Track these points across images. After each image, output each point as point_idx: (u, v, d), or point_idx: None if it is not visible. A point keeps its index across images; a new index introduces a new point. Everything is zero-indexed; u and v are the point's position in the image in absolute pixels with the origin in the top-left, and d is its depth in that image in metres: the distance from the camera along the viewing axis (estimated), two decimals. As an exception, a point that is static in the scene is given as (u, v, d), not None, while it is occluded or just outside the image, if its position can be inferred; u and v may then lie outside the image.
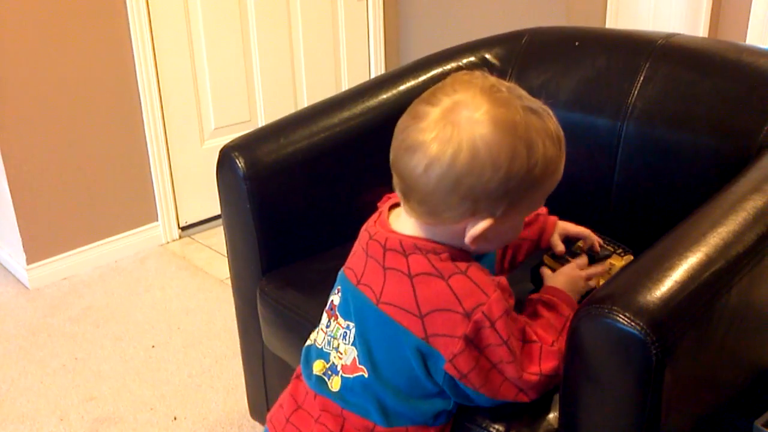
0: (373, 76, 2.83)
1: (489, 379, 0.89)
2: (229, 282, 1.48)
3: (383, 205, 0.99)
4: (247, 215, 1.31)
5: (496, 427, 0.95)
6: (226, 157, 1.31)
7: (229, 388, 1.74)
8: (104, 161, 2.25)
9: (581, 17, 2.40)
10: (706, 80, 1.29)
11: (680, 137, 1.28)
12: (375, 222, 0.95)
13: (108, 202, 2.29)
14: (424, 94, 0.87)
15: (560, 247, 1.16)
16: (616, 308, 0.80)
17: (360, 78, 2.73)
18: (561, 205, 1.10)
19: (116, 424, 1.65)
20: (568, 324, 0.98)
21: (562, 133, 0.86)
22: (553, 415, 0.95)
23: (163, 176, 2.38)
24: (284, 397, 1.03)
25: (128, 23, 2.18)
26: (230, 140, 1.35)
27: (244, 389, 1.56)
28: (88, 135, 2.20)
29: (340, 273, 0.99)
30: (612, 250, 1.19)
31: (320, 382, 0.96)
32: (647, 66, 1.34)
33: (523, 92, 0.86)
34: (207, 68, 2.41)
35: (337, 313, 0.96)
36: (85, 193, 2.24)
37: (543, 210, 1.16)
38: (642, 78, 1.34)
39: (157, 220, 2.42)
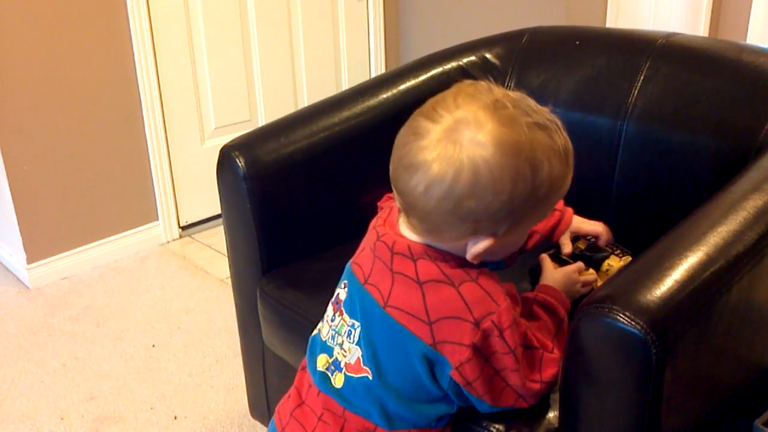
0: (373, 75, 2.83)
1: (493, 387, 0.89)
2: (229, 281, 1.48)
3: (393, 203, 0.98)
4: (248, 215, 1.31)
5: (497, 426, 0.95)
6: (226, 156, 1.31)
7: (230, 388, 1.75)
8: (104, 161, 2.25)
9: (581, 17, 2.40)
10: (706, 80, 1.29)
11: (680, 137, 1.28)
12: (384, 221, 0.93)
13: (108, 201, 2.29)
14: (426, 106, 0.84)
15: (567, 248, 1.16)
16: (616, 307, 0.79)
17: (360, 77, 2.73)
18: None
19: (116, 424, 1.65)
20: (563, 326, 0.98)
21: (570, 146, 0.84)
22: (553, 415, 0.95)
23: (163, 176, 2.38)
24: (291, 389, 1.03)
25: (128, 23, 2.18)
26: (230, 140, 1.35)
27: (245, 388, 1.56)
28: (88, 134, 2.20)
29: (347, 266, 0.98)
30: (610, 251, 1.19)
31: (324, 378, 0.96)
32: (647, 65, 1.34)
33: (530, 103, 0.83)
34: (207, 68, 2.41)
35: (343, 309, 0.95)
36: (86, 192, 2.24)
37: (559, 203, 1.15)
38: (642, 77, 1.34)
39: (158, 220, 2.42)
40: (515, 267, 1.11)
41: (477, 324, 0.85)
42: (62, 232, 2.22)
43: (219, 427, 1.63)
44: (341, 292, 0.97)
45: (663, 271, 0.84)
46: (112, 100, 2.22)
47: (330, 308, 0.99)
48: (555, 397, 0.95)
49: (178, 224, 2.47)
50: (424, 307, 0.86)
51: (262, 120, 2.58)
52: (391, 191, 1.21)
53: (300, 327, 1.21)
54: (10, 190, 2.09)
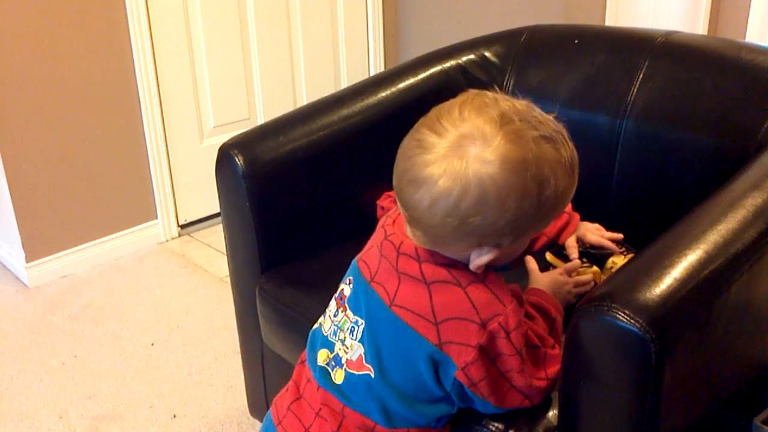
0: (372, 73, 2.83)
1: (498, 388, 0.89)
2: (228, 280, 1.48)
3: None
4: (247, 213, 1.31)
5: (496, 425, 0.95)
6: (225, 155, 1.31)
7: (229, 386, 1.74)
8: (103, 159, 2.25)
9: (580, 15, 2.40)
10: (705, 78, 1.29)
11: (679, 135, 1.28)
12: (393, 222, 0.93)
13: (107, 200, 2.29)
14: (431, 117, 0.83)
15: (574, 253, 1.16)
16: (615, 306, 0.79)
17: (359, 76, 2.73)
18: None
19: (116, 422, 1.65)
20: (555, 326, 0.99)
21: (576, 156, 0.84)
22: (552, 413, 0.95)
23: (162, 174, 2.38)
24: (290, 382, 1.03)
25: (127, 21, 2.17)
26: (229, 138, 1.34)
27: (244, 387, 1.56)
28: (87, 133, 2.20)
29: (353, 263, 0.98)
30: (615, 248, 1.19)
31: (324, 374, 0.96)
32: (647, 64, 1.34)
33: (537, 113, 0.82)
34: (206, 66, 2.40)
35: (347, 305, 0.95)
36: (85, 191, 2.24)
37: (568, 206, 1.16)
38: (641, 76, 1.34)
39: (157, 218, 2.42)
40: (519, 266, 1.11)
41: (484, 325, 0.85)
42: (61, 231, 2.22)
43: (218, 426, 1.63)
44: (346, 288, 0.97)
45: (662, 269, 0.84)
46: (111, 99, 2.22)
47: (333, 303, 0.99)
48: (554, 396, 0.95)
49: (177, 223, 2.47)
50: (430, 307, 0.86)
51: (261, 118, 2.58)
52: (390, 190, 1.21)
53: (299, 325, 1.21)
54: (9, 188, 2.09)
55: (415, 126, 0.84)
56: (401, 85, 1.46)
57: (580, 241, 1.18)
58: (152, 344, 1.91)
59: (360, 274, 0.94)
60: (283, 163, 1.33)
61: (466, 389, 0.88)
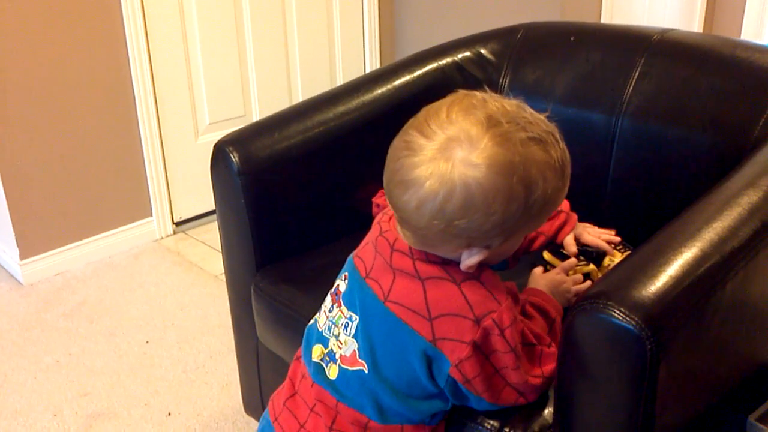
0: (368, 71, 2.83)
1: (492, 385, 0.89)
2: (223, 277, 1.48)
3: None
4: (242, 210, 1.31)
5: (491, 423, 0.95)
6: (220, 151, 1.31)
7: (224, 384, 1.74)
8: (98, 156, 2.24)
9: (576, 12, 2.40)
10: (701, 76, 1.29)
11: (675, 133, 1.28)
12: (390, 218, 0.93)
13: (102, 197, 2.28)
14: (419, 118, 0.83)
15: (573, 249, 1.16)
16: (611, 303, 0.79)
17: (355, 73, 2.72)
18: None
19: (110, 420, 1.64)
20: (555, 326, 0.99)
21: (567, 157, 0.83)
22: (547, 411, 0.95)
23: (157, 171, 2.37)
24: (286, 379, 1.03)
25: (122, 18, 2.16)
26: (225, 135, 1.34)
27: (239, 385, 1.56)
28: (81, 130, 2.19)
29: (349, 259, 0.98)
30: (610, 250, 1.19)
31: (318, 369, 0.96)
32: (642, 61, 1.34)
33: (527, 114, 0.81)
34: (201, 63, 2.40)
35: (341, 300, 0.95)
36: (79, 188, 2.23)
37: (566, 206, 1.16)
38: (637, 73, 1.34)
39: (152, 216, 2.41)
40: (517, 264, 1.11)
41: (478, 322, 0.85)
42: (56, 228, 2.21)
43: (213, 424, 1.63)
44: (341, 284, 0.97)
45: (658, 266, 0.84)
46: (106, 96, 2.21)
47: (328, 299, 0.99)
48: (550, 393, 0.95)
49: (172, 220, 2.46)
50: (425, 303, 0.86)
51: (257, 115, 2.57)
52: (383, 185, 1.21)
53: (294, 323, 1.21)
54: (3, 185, 2.08)
55: (405, 127, 0.84)
56: (397, 83, 1.46)
57: (577, 241, 1.18)
58: (147, 342, 1.91)
59: (355, 269, 0.94)
60: (279, 160, 1.33)
61: (461, 386, 0.88)
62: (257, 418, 1.53)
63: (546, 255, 1.19)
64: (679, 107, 1.28)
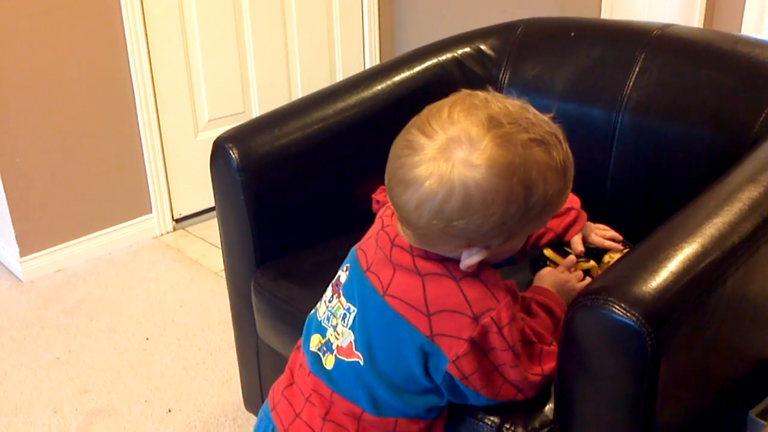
0: (367, 67, 2.82)
1: (490, 381, 0.89)
2: (223, 274, 1.48)
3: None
4: (241, 207, 1.30)
5: (492, 419, 0.94)
6: (219, 148, 1.31)
7: (224, 381, 1.74)
8: (98, 153, 2.24)
9: (576, 8, 2.39)
10: (701, 71, 1.29)
11: (675, 128, 1.28)
12: (393, 214, 0.93)
13: (102, 194, 2.28)
14: (421, 117, 0.83)
15: (579, 248, 1.16)
16: (611, 299, 0.79)
17: (354, 69, 2.72)
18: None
19: (110, 417, 1.64)
20: (560, 326, 0.99)
21: (570, 158, 0.83)
22: (548, 407, 0.95)
23: (157, 168, 2.37)
24: (285, 369, 1.04)
25: (121, 14, 2.16)
26: (224, 132, 1.34)
27: (239, 381, 1.56)
28: (81, 127, 2.19)
29: (352, 251, 0.98)
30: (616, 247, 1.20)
31: (315, 359, 0.96)
32: (643, 57, 1.34)
33: (530, 115, 0.81)
34: (201, 60, 2.39)
35: (341, 291, 0.96)
36: (79, 185, 2.23)
37: (576, 203, 1.16)
38: (637, 69, 1.33)
39: (151, 213, 2.41)
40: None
41: (476, 319, 0.85)
42: (55, 225, 2.21)
43: (213, 420, 1.63)
44: (342, 275, 0.97)
45: (658, 262, 0.84)
46: (106, 92, 2.21)
47: (329, 289, 0.99)
48: (550, 390, 0.95)
49: (172, 217, 2.46)
50: (423, 299, 0.86)
51: (256, 112, 2.57)
52: (385, 183, 1.21)
53: (294, 319, 1.20)
54: (3, 182, 2.08)
55: (407, 126, 0.84)
56: (396, 79, 1.45)
57: (584, 241, 1.18)
58: (147, 339, 1.91)
59: (357, 262, 0.94)
60: (278, 156, 1.33)
61: (458, 383, 0.88)
62: (257, 414, 1.53)
63: (547, 252, 1.19)
64: (679, 103, 1.28)
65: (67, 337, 1.92)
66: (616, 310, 0.78)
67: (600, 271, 1.14)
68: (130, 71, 2.23)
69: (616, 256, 1.16)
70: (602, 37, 1.43)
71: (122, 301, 2.08)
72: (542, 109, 0.84)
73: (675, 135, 1.28)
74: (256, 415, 1.53)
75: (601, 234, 1.20)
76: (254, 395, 1.50)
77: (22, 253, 2.17)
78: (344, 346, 0.93)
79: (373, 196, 1.26)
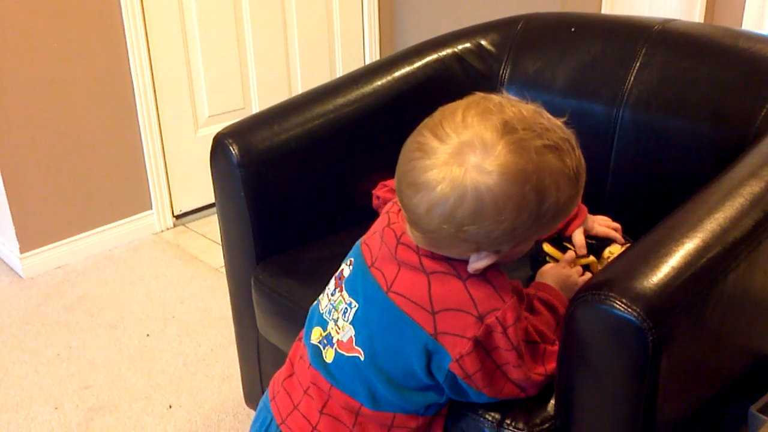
0: (367, 62, 2.82)
1: (493, 380, 0.89)
2: (223, 270, 1.48)
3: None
4: (241, 203, 1.30)
5: (492, 415, 0.94)
6: (219, 144, 1.30)
7: (225, 377, 1.74)
8: (97, 149, 2.24)
9: (577, 3, 2.39)
10: (702, 66, 1.28)
11: (676, 123, 1.28)
12: (399, 210, 0.92)
13: (102, 190, 2.28)
14: (434, 119, 0.82)
15: (582, 241, 1.16)
16: (612, 294, 0.79)
17: (355, 64, 2.71)
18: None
19: (111, 413, 1.64)
20: (563, 322, 0.99)
21: (582, 165, 0.82)
22: (549, 403, 0.94)
23: (157, 164, 2.36)
24: (286, 360, 1.04)
25: (121, 11, 2.15)
26: (224, 127, 1.34)
27: (240, 377, 1.56)
28: (81, 123, 2.18)
29: (356, 244, 0.98)
30: (621, 240, 1.20)
31: (316, 352, 0.96)
32: (643, 52, 1.33)
33: (544, 119, 0.80)
34: (201, 55, 2.39)
35: (344, 285, 0.95)
36: (79, 181, 2.23)
37: None
38: (638, 64, 1.33)
39: (151, 209, 2.41)
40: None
41: (481, 318, 0.85)
42: (55, 221, 2.21)
43: (214, 416, 1.63)
44: (346, 269, 0.97)
45: (660, 257, 0.84)
46: (105, 89, 2.20)
47: (332, 282, 0.99)
48: (551, 386, 0.94)
49: (172, 213, 2.46)
50: (428, 297, 0.86)
51: (256, 108, 2.56)
52: (385, 179, 1.21)
53: (294, 315, 1.20)
54: (3, 178, 2.08)
55: (419, 127, 0.83)
56: (397, 74, 1.45)
57: (586, 232, 1.18)
58: (147, 335, 1.91)
59: (361, 256, 0.94)
60: (278, 152, 1.32)
61: (460, 381, 0.88)
62: (258, 411, 1.53)
63: (546, 247, 1.18)
64: (680, 98, 1.28)
65: (67, 333, 1.92)
66: (617, 306, 0.78)
67: (600, 267, 1.14)
68: (129, 68, 2.22)
69: (616, 251, 1.16)
70: (603, 33, 1.43)
71: (123, 297, 2.08)
72: (559, 118, 0.83)
73: (676, 130, 1.27)
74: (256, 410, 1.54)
75: (606, 224, 1.19)
76: (255, 391, 1.50)
77: (23, 250, 2.17)
78: (344, 340, 0.93)
79: (373, 191, 1.26)
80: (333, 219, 1.39)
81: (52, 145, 2.14)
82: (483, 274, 0.86)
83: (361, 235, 0.99)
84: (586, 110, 1.37)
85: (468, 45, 1.51)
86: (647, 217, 1.04)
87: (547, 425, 0.93)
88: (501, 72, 1.49)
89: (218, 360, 1.80)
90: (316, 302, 1.02)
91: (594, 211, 1.22)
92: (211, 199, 1.56)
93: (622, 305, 0.78)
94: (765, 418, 1.04)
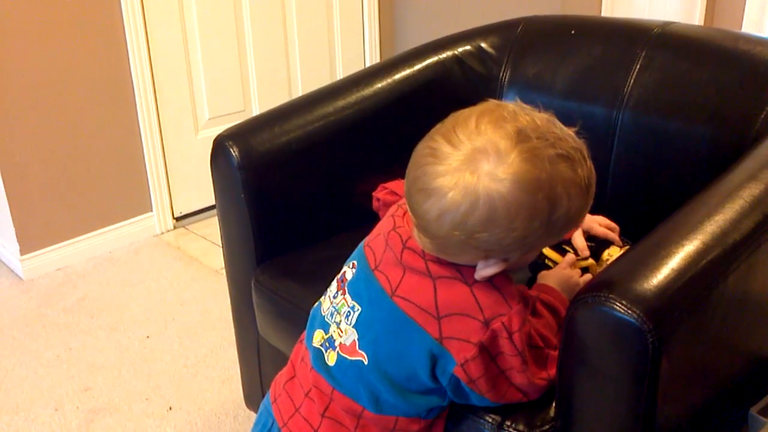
0: (367, 64, 2.82)
1: (496, 385, 0.89)
2: (224, 272, 1.48)
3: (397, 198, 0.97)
4: (242, 205, 1.30)
5: (493, 416, 0.94)
6: (220, 146, 1.31)
7: (225, 378, 1.74)
8: (98, 151, 2.24)
9: (576, 6, 2.39)
10: (702, 69, 1.28)
11: (676, 126, 1.28)
12: (404, 214, 0.92)
13: (102, 192, 2.28)
14: (447, 125, 0.82)
15: (582, 242, 1.16)
16: (612, 296, 0.79)
17: (355, 67, 2.71)
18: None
19: (111, 415, 1.64)
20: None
21: (593, 175, 0.82)
22: (549, 405, 0.94)
23: (157, 166, 2.37)
24: (288, 362, 1.04)
25: (121, 13, 2.16)
26: (224, 130, 1.34)
27: (240, 379, 1.56)
28: (81, 125, 2.19)
29: (360, 247, 0.97)
30: (610, 240, 1.19)
31: (318, 355, 0.96)
32: (643, 54, 1.33)
33: (557, 128, 0.80)
34: (201, 58, 2.39)
35: (346, 288, 0.95)
36: (79, 183, 2.23)
37: None
38: (638, 66, 1.33)
39: (152, 211, 2.41)
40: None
41: (486, 324, 0.85)
42: (56, 223, 2.21)
43: (214, 418, 1.63)
44: (348, 271, 0.97)
45: (660, 259, 0.84)
46: (106, 90, 2.20)
47: (334, 284, 0.99)
48: (552, 388, 0.94)
49: (173, 215, 2.46)
50: (434, 302, 0.86)
51: (257, 110, 2.56)
52: (385, 181, 1.21)
53: (294, 316, 1.20)
54: (3, 180, 2.08)
55: (431, 132, 0.83)
56: (397, 76, 1.45)
57: (586, 233, 1.18)
58: (147, 337, 1.91)
59: (365, 259, 0.94)
60: (279, 154, 1.32)
61: (464, 385, 0.88)
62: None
63: (545, 250, 1.18)
64: (680, 100, 1.28)
65: (67, 335, 1.92)
66: (618, 308, 0.78)
67: (599, 269, 1.14)
68: (130, 69, 2.23)
69: (615, 253, 1.16)
70: (603, 35, 1.43)
71: (123, 299, 2.08)
72: (571, 128, 0.83)
73: (676, 132, 1.27)
74: (257, 412, 1.54)
75: (605, 224, 1.19)
76: (255, 393, 1.50)
77: (23, 252, 2.17)
78: (347, 344, 0.92)
79: (373, 194, 1.26)
80: (333, 221, 1.39)
81: (52, 148, 2.14)
82: (490, 280, 0.86)
83: (361, 238, 0.99)
84: (586, 113, 1.37)
85: (468, 48, 1.51)
86: (647, 219, 1.04)
87: (547, 427, 0.93)
88: (501, 75, 1.49)
89: (218, 362, 1.80)
90: (317, 304, 1.02)
91: (593, 213, 1.22)
92: (212, 201, 1.56)
93: (623, 307, 0.78)
94: (765, 420, 1.04)
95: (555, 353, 0.93)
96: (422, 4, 2.72)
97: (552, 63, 1.44)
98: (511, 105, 0.82)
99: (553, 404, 0.93)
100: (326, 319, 0.97)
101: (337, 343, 0.94)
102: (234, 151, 1.28)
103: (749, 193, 0.95)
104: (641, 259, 0.85)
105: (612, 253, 1.16)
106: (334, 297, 0.97)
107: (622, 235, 1.21)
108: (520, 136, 0.78)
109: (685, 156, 1.26)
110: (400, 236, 0.90)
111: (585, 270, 1.15)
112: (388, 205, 1.09)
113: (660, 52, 1.33)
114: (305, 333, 1.02)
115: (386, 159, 1.38)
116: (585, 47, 1.42)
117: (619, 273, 0.84)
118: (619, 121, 1.34)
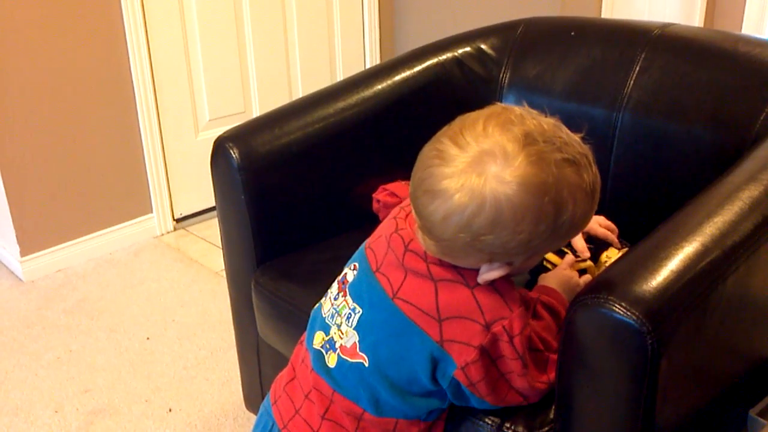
0: (368, 66, 2.82)
1: (497, 389, 0.89)
2: (224, 274, 1.48)
3: (399, 199, 0.97)
4: (242, 206, 1.30)
5: (492, 418, 0.94)
6: (220, 147, 1.31)
7: (224, 380, 1.74)
8: (98, 153, 2.24)
9: (576, 7, 2.39)
10: (701, 70, 1.28)
11: (676, 127, 1.28)
12: (407, 216, 0.92)
13: (102, 193, 2.28)
14: (454, 127, 0.82)
15: (582, 243, 1.16)
16: (612, 298, 0.79)
17: (355, 68, 2.72)
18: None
19: (111, 417, 1.64)
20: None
21: (598, 181, 0.83)
22: (548, 406, 0.94)
23: (157, 168, 2.37)
24: (288, 363, 1.04)
25: (122, 13, 2.16)
26: (225, 131, 1.34)
27: (239, 381, 1.56)
28: (81, 126, 2.19)
29: (361, 248, 0.97)
30: (609, 242, 1.19)
31: (318, 357, 0.96)
32: (643, 56, 1.34)
33: (563, 133, 0.80)
34: (201, 59, 2.39)
35: (347, 290, 0.95)
36: (80, 184, 2.23)
37: None
38: (638, 68, 1.33)
39: (152, 212, 2.41)
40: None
41: (487, 327, 0.85)
42: (56, 225, 2.21)
43: (214, 420, 1.63)
44: (349, 273, 0.97)
45: (659, 261, 0.84)
46: (106, 92, 2.21)
47: (335, 286, 0.99)
48: (551, 390, 0.95)
49: (173, 217, 2.46)
50: (435, 304, 0.86)
51: (257, 111, 2.57)
52: (385, 182, 1.21)
53: (295, 318, 1.21)
54: (4, 181, 2.08)
55: (437, 134, 0.83)
56: (397, 78, 1.45)
57: (585, 234, 1.18)
58: (148, 338, 1.91)
59: (366, 261, 0.94)
60: (279, 156, 1.33)
61: (464, 388, 0.88)
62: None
63: None
64: (679, 102, 1.28)
65: (67, 336, 1.93)
66: (617, 309, 0.78)
67: (597, 271, 1.14)
68: (130, 71, 2.23)
69: (613, 255, 1.16)
70: (603, 37, 1.43)
71: (123, 300, 2.08)
72: (577, 133, 0.83)
73: (675, 134, 1.27)
74: (257, 414, 1.54)
75: (605, 225, 1.20)
76: (255, 394, 1.50)
77: (23, 253, 2.17)
78: (348, 346, 0.92)
79: (373, 195, 1.26)
80: (333, 222, 1.39)
81: (52, 149, 2.15)
82: (491, 283, 0.86)
83: (361, 239, 0.99)
84: (585, 114, 1.37)
85: (468, 49, 1.51)
86: (646, 220, 1.04)
87: (546, 429, 0.93)
88: (501, 76, 1.49)
89: (218, 363, 1.80)
90: (317, 305, 1.02)
91: (594, 214, 1.22)
92: (212, 203, 1.56)
93: (622, 308, 0.78)
94: (764, 421, 1.04)
95: (555, 357, 0.93)
96: (422, 5, 2.73)
97: (552, 64, 1.44)
98: (519, 109, 0.82)
99: (553, 406, 0.93)
100: (327, 321, 0.97)
101: (337, 345, 0.94)
102: (234, 153, 1.28)
103: (748, 194, 0.95)
104: (641, 261, 0.85)
105: (610, 255, 1.16)
106: (335, 298, 0.97)
107: (621, 236, 1.21)
108: (528, 140, 0.78)
109: (684, 157, 1.26)
110: (403, 239, 0.90)
111: (583, 272, 1.15)
112: (388, 207, 1.09)
113: (660, 53, 1.33)
114: (305, 334, 1.01)
115: (386, 160, 1.38)
116: (585, 49, 1.42)
117: (619, 275, 0.84)
118: (618, 123, 1.34)
